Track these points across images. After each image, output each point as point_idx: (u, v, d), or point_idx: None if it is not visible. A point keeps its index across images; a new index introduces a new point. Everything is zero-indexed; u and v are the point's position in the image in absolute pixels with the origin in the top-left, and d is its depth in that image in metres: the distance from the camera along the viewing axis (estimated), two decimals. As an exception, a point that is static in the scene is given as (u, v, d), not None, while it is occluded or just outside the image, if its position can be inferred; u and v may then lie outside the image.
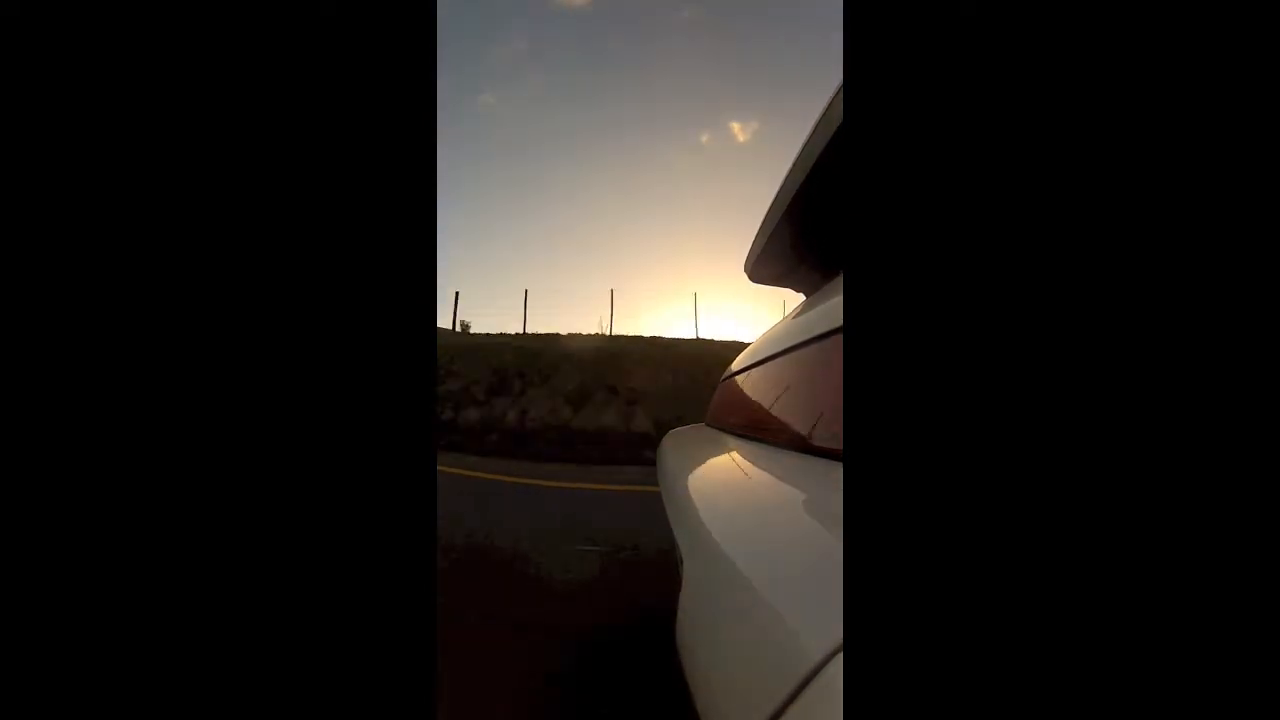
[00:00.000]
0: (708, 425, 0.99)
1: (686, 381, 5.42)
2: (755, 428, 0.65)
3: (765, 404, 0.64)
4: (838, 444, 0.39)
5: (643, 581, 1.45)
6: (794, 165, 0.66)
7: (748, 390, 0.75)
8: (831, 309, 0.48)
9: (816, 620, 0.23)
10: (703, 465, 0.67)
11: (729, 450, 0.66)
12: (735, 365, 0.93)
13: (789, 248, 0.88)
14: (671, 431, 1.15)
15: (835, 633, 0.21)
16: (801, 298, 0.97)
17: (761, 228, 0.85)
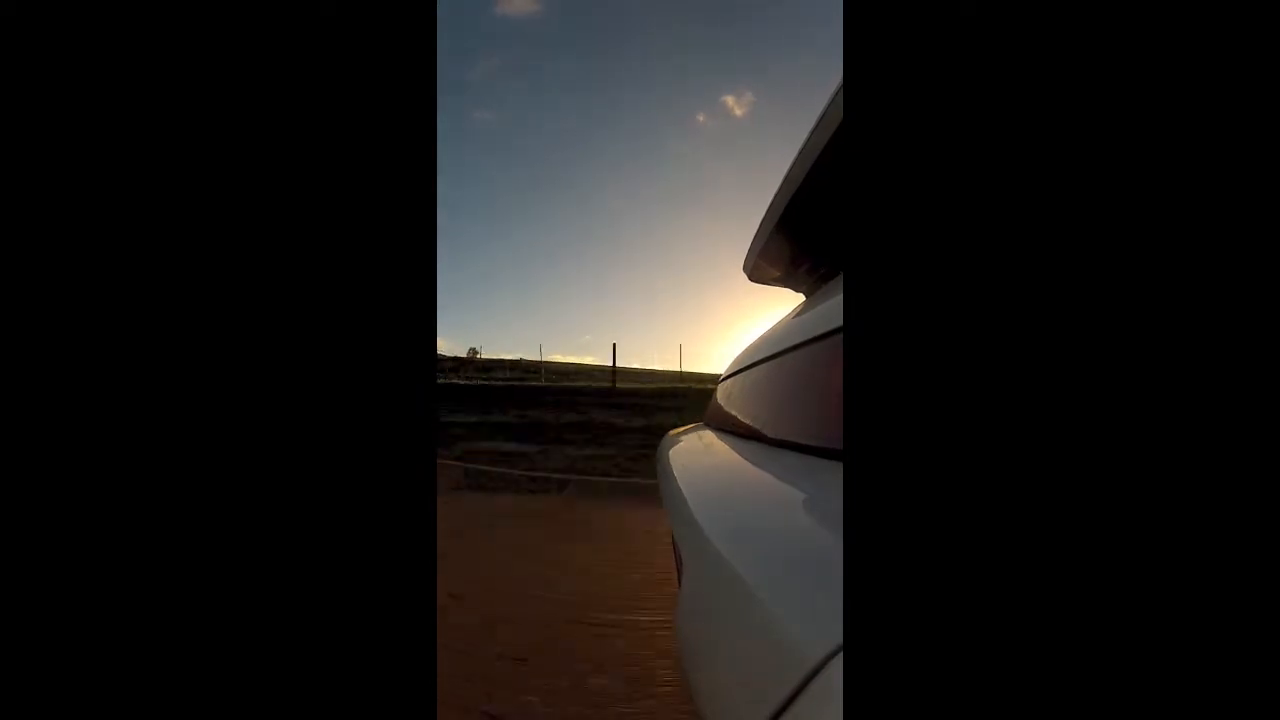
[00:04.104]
0: (707, 425, 0.99)
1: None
2: (754, 428, 0.65)
3: (764, 404, 0.64)
4: (837, 444, 0.39)
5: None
6: (793, 165, 0.66)
7: (747, 390, 0.75)
8: (831, 309, 0.48)
9: (816, 620, 0.23)
10: (703, 465, 0.67)
11: (729, 450, 0.66)
12: (734, 365, 0.93)
13: (789, 248, 0.88)
14: (671, 431, 1.15)
15: (835, 633, 0.21)
16: (801, 298, 0.97)
17: (761, 227, 0.85)
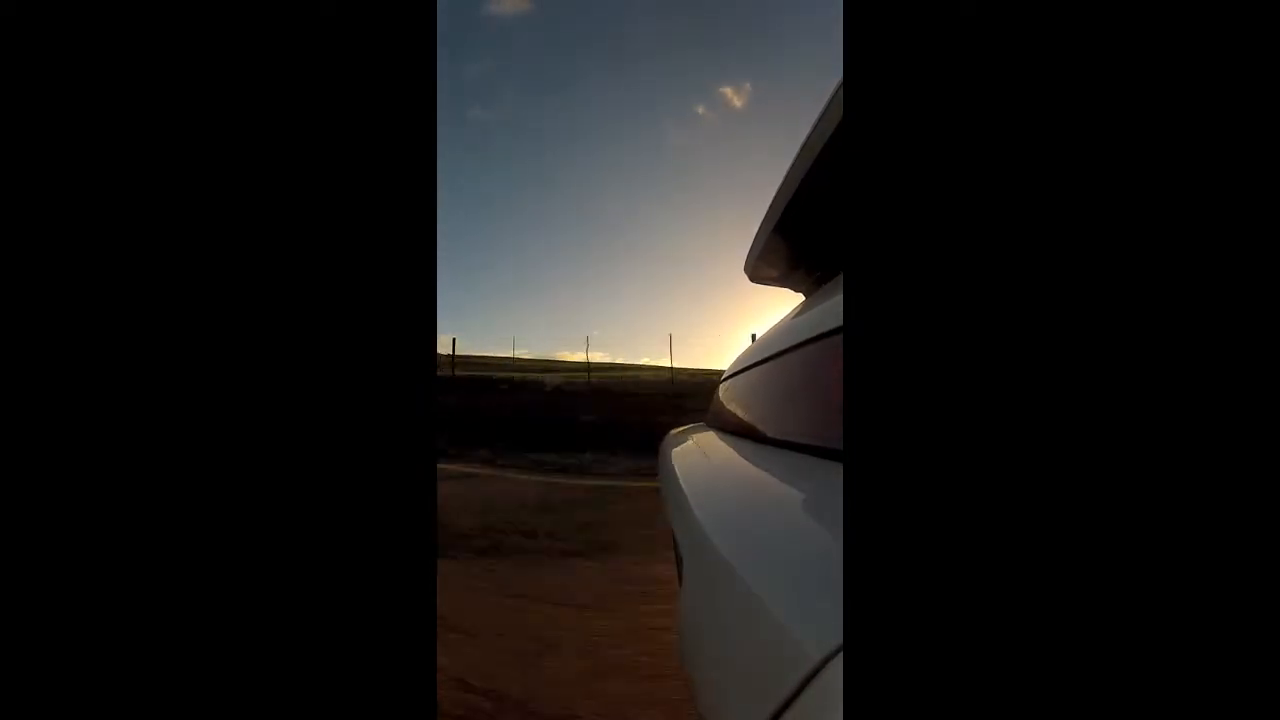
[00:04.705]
0: (707, 425, 0.99)
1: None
2: (755, 428, 0.65)
3: (765, 404, 0.64)
4: (837, 444, 0.39)
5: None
6: (792, 165, 0.66)
7: (747, 390, 0.75)
8: (831, 309, 0.48)
9: (816, 620, 0.23)
10: (703, 465, 0.67)
11: (729, 450, 0.66)
12: (735, 365, 0.93)
13: (788, 248, 0.88)
14: (671, 432, 1.15)
15: (835, 633, 0.21)
16: (801, 298, 0.97)
17: (761, 228, 0.85)
